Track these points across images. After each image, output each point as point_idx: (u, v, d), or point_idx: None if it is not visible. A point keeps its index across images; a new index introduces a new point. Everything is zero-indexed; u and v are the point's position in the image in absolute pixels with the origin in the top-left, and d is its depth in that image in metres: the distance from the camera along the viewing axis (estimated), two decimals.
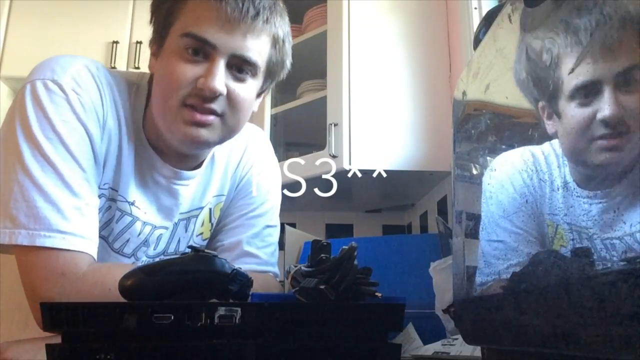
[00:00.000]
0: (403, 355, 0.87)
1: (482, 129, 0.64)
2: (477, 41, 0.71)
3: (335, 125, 1.67)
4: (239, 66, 0.82)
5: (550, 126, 0.45)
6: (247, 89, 0.84)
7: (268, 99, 1.99)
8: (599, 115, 0.37)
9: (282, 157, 2.03)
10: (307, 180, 1.78)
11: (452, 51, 1.78)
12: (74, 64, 0.81)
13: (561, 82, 0.41)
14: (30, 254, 0.73)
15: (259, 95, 0.91)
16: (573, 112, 0.41)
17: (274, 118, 2.01)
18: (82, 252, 0.76)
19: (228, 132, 0.86)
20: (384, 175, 1.69)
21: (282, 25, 0.86)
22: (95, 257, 0.79)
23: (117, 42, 2.35)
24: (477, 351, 0.76)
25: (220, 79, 0.79)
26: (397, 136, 1.69)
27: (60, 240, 0.73)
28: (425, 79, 1.75)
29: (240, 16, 0.78)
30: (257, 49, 0.82)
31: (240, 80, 0.83)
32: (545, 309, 0.41)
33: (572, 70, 0.41)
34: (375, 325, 0.55)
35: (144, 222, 0.91)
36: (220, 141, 0.87)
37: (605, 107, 0.36)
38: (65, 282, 0.73)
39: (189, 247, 0.60)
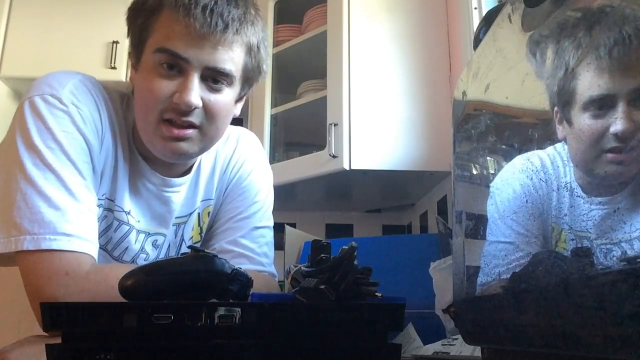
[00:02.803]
0: (403, 355, 0.87)
1: (482, 129, 0.64)
2: (477, 41, 0.71)
3: (335, 125, 1.67)
4: (214, 77, 0.83)
5: (560, 131, 0.45)
6: (224, 98, 0.85)
7: (268, 99, 1.99)
8: (612, 129, 0.38)
9: (282, 157, 2.03)
10: (307, 180, 1.78)
11: (452, 51, 1.78)
12: (71, 80, 0.83)
13: (576, 92, 0.42)
14: (33, 256, 0.74)
15: (238, 100, 0.92)
16: (585, 122, 0.41)
17: (274, 118, 2.01)
18: (85, 253, 0.76)
19: (208, 141, 0.88)
20: (384, 174, 1.69)
21: (255, 33, 0.86)
22: (97, 259, 0.80)
23: (117, 42, 2.35)
24: (477, 351, 0.76)
25: (195, 93, 0.81)
26: (397, 136, 1.69)
27: (65, 242, 0.74)
28: (425, 79, 1.75)
29: (210, 30, 0.79)
30: (230, 59, 0.83)
31: (216, 90, 0.84)
32: (545, 309, 0.41)
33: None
34: (375, 325, 0.55)
35: (138, 231, 0.93)
36: (202, 150, 0.89)
37: (618, 121, 0.37)
38: (70, 281, 0.73)
39: (189, 247, 0.60)
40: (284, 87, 2.07)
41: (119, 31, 2.37)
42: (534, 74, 0.51)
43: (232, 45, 0.83)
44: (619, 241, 0.35)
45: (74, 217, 0.76)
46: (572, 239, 0.42)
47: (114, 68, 2.32)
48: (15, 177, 0.76)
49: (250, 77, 0.90)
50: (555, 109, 0.46)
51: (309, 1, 1.99)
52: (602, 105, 0.39)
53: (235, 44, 0.83)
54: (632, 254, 0.33)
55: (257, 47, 0.88)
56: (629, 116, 0.36)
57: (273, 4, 2.09)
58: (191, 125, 0.83)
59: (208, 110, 0.83)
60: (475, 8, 1.58)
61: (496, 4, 1.05)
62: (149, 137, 0.85)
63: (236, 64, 0.85)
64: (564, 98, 0.44)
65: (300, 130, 2.10)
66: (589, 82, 0.40)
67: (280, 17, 2.11)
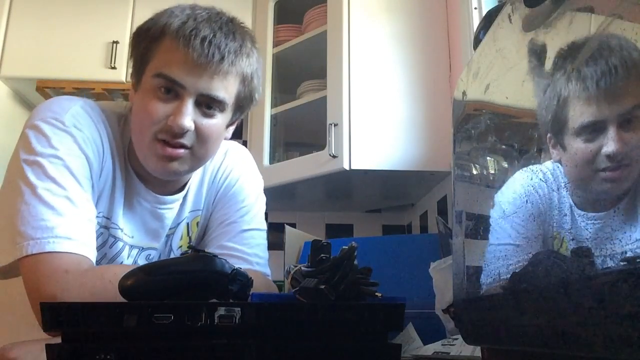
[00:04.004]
0: (403, 355, 0.87)
1: (482, 129, 0.64)
2: (477, 41, 0.71)
3: (335, 125, 1.67)
4: (207, 103, 0.87)
5: (555, 155, 0.47)
6: (215, 123, 0.89)
7: (268, 99, 1.99)
8: (604, 150, 0.41)
9: (282, 157, 2.03)
10: (307, 180, 1.78)
11: (452, 51, 1.78)
12: (72, 105, 0.87)
13: (567, 120, 0.45)
14: (35, 258, 0.76)
15: (229, 125, 0.96)
16: (578, 147, 0.44)
17: (274, 118, 2.01)
18: (84, 255, 0.79)
19: (197, 161, 0.92)
20: (384, 174, 1.69)
21: (249, 65, 0.90)
22: (95, 264, 0.81)
23: (117, 42, 2.34)
24: (477, 351, 0.76)
25: (189, 117, 0.85)
26: (397, 136, 1.69)
27: (67, 244, 0.77)
28: (425, 79, 1.75)
29: (207, 61, 0.83)
30: (224, 87, 0.87)
31: (209, 116, 0.88)
32: (545, 309, 0.41)
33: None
34: (375, 325, 0.55)
35: (131, 246, 0.96)
36: (191, 169, 0.93)
37: (609, 142, 0.40)
38: (69, 278, 0.75)
39: (189, 247, 0.60)
40: (284, 87, 2.07)
41: (119, 31, 2.37)
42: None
43: (227, 75, 0.87)
44: (616, 253, 0.36)
45: (75, 222, 0.79)
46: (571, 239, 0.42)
47: (114, 68, 2.32)
48: (20, 191, 0.79)
49: (242, 104, 0.94)
50: (549, 135, 0.48)
51: (309, 1, 1.99)
52: (593, 130, 0.42)
53: (230, 75, 0.87)
54: (632, 255, 0.33)
55: (251, 77, 0.92)
56: (619, 138, 0.39)
57: (273, 4, 2.09)
58: (182, 146, 0.87)
59: (199, 134, 0.87)
60: (475, 8, 1.58)
61: (496, 4, 1.05)
62: (143, 154, 0.89)
63: (230, 92, 0.89)
64: (557, 126, 0.47)
65: (300, 130, 2.10)
66: (580, 111, 0.43)
67: (280, 17, 2.11)
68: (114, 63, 2.32)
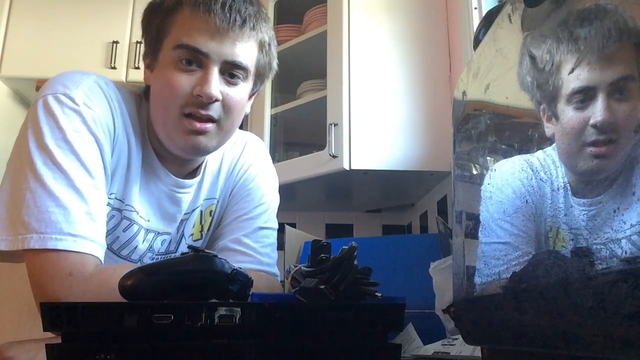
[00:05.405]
0: (403, 355, 0.87)
1: (482, 129, 0.64)
2: (477, 41, 0.71)
3: (335, 125, 1.67)
4: (231, 71, 0.87)
5: (549, 129, 0.46)
6: (240, 92, 0.88)
7: (268, 99, 1.99)
8: (592, 121, 0.39)
9: (282, 157, 2.03)
10: (307, 180, 1.78)
11: (452, 51, 1.78)
12: (85, 80, 0.84)
13: (560, 86, 0.43)
14: (39, 255, 0.74)
15: (250, 96, 0.95)
16: (569, 115, 0.43)
17: (274, 118, 2.01)
18: (90, 254, 0.77)
19: (224, 135, 0.90)
20: (384, 174, 1.69)
21: (267, 30, 0.91)
22: (102, 260, 0.80)
23: (117, 42, 2.35)
24: (477, 351, 0.76)
25: (216, 85, 0.84)
26: (397, 136, 1.69)
27: (71, 242, 0.75)
28: (425, 79, 1.75)
29: (229, 25, 0.83)
30: (246, 53, 0.87)
31: (233, 84, 0.87)
32: (545, 309, 0.41)
33: (572, 70, 0.42)
34: (375, 325, 0.55)
35: (147, 230, 0.94)
36: (218, 145, 0.91)
37: (598, 112, 0.39)
38: (73, 282, 0.73)
39: (189, 247, 0.60)
40: (284, 87, 2.07)
41: (119, 31, 2.37)
42: (521, 79, 0.52)
43: (249, 40, 0.87)
44: (612, 240, 0.35)
45: (80, 217, 0.77)
46: (572, 239, 0.42)
47: (114, 68, 2.32)
48: (25, 175, 0.76)
49: (262, 73, 0.93)
50: (542, 106, 0.47)
51: (309, 1, 1.99)
52: (584, 97, 0.40)
53: (251, 40, 0.87)
54: (632, 254, 0.33)
55: (269, 44, 0.92)
56: (608, 108, 0.38)
57: (273, 4, 2.09)
58: (210, 119, 0.85)
59: (226, 104, 0.86)
60: (475, 8, 1.58)
61: (496, 4, 1.05)
62: (168, 132, 0.87)
63: (251, 59, 0.89)
64: (550, 94, 0.45)
65: (300, 130, 2.10)
66: (572, 75, 0.42)
67: (280, 17, 2.11)
68: (114, 63, 2.32)
